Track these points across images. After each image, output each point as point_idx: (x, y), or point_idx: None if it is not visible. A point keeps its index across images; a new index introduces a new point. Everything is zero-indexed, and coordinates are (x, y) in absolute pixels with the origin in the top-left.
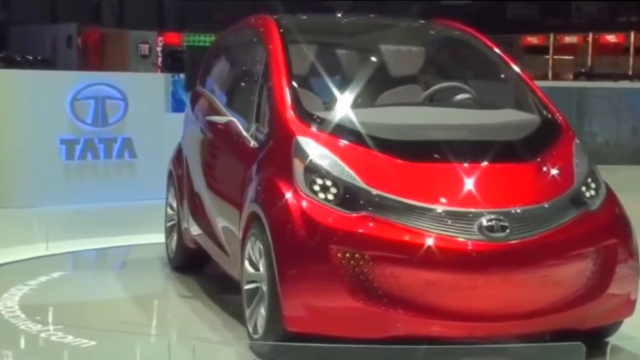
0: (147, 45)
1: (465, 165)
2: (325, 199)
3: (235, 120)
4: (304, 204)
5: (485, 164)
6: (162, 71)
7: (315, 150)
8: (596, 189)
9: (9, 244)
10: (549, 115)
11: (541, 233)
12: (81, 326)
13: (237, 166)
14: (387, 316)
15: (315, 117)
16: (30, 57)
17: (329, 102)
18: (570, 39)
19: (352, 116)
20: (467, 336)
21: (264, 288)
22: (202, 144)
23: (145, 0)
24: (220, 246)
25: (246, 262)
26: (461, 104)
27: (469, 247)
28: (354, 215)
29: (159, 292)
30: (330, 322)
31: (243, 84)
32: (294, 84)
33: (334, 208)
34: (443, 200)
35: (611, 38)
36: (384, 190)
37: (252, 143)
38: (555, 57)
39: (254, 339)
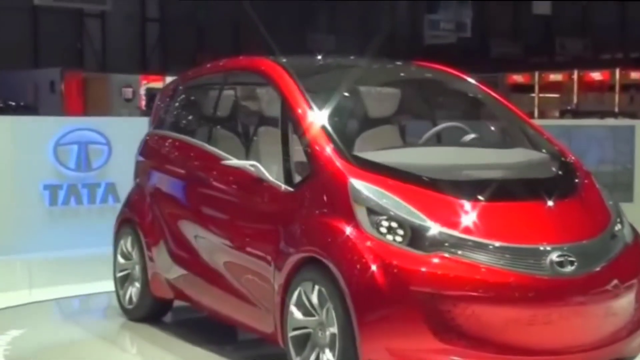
0: (130, 89)
1: (521, 203)
2: (394, 240)
3: (257, 164)
4: (376, 246)
5: (539, 201)
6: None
7: (374, 192)
8: (622, 222)
9: None
10: (559, 153)
11: (601, 266)
12: None
13: (261, 211)
14: (468, 355)
15: (359, 158)
16: (13, 103)
17: (359, 144)
18: (555, 76)
19: (394, 156)
20: None
21: (325, 333)
22: (188, 189)
23: (127, 44)
24: (238, 296)
25: (293, 309)
26: (478, 144)
27: (544, 283)
28: (429, 255)
29: (156, 340)
30: None
31: (251, 128)
32: (328, 126)
33: (406, 249)
34: (512, 237)
35: (596, 75)
36: (455, 230)
37: (283, 187)
38: (540, 95)
39: None
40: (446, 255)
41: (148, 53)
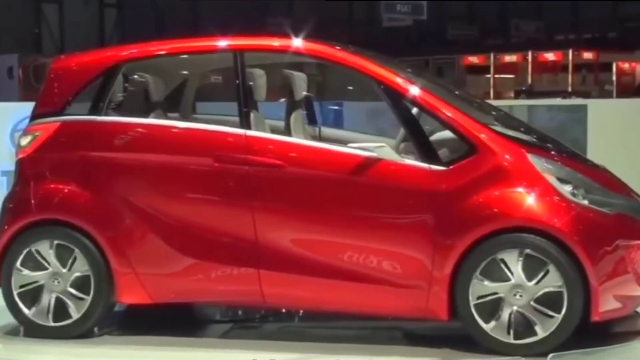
0: None
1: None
2: (589, 204)
3: (386, 146)
4: (585, 210)
5: None
6: None
7: (551, 163)
8: None
9: None
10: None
11: None
12: None
13: (398, 191)
14: None
15: (504, 133)
16: None
17: None
18: (510, 58)
19: (511, 131)
20: None
21: (528, 294)
22: (222, 181)
23: (86, 28)
24: (368, 281)
25: (479, 278)
26: None
27: None
28: (615, 214)
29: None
30: (623, 306)
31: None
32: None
33: (600, 211)
34: (629, 195)
35: (550, 56)
36: (607, 189)
37: (429, 167)
38: (496, 76)
39: (515, 344)
40: (621, 212)
41: (106, 38)
